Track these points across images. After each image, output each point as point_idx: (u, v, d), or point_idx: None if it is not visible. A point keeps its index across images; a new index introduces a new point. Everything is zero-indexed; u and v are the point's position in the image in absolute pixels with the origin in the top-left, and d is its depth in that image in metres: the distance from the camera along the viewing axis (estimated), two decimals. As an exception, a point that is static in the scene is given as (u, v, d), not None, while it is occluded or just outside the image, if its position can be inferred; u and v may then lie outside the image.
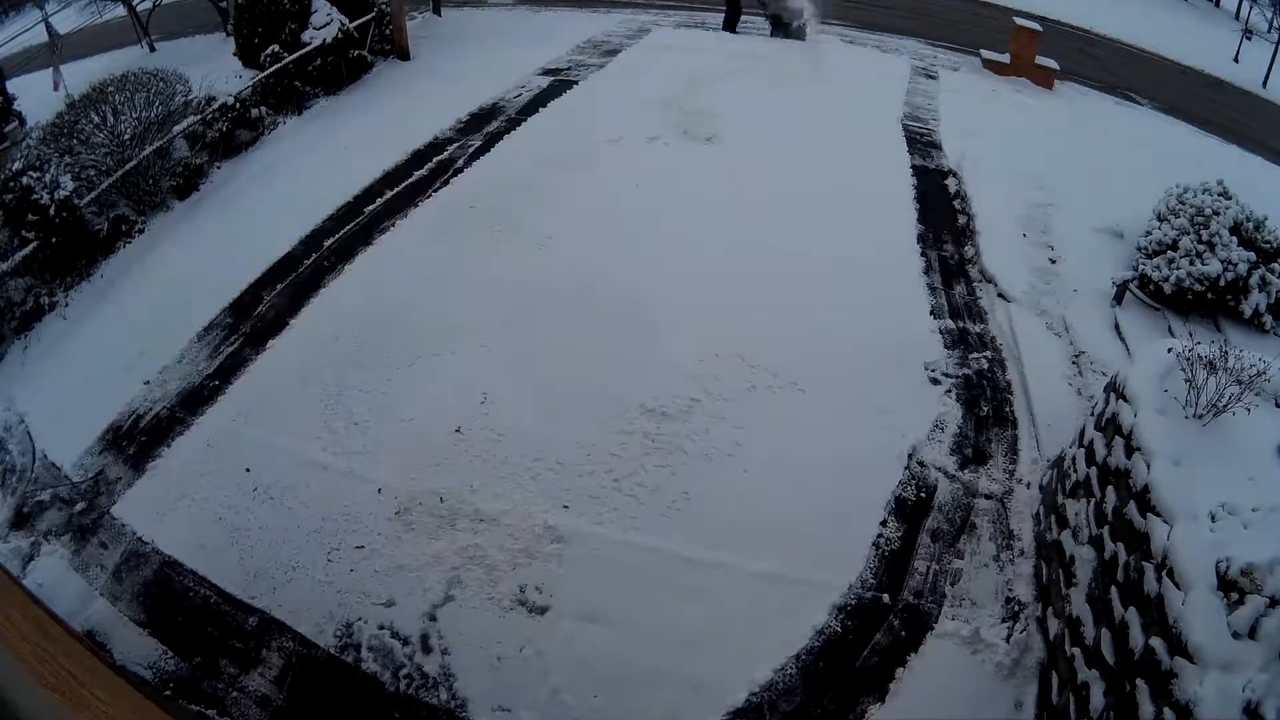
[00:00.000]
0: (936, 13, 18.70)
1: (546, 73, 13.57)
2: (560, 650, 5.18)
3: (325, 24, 13.23)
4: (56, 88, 14.68)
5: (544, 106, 12.18)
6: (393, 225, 9.36)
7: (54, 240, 8.93)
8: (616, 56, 14.21)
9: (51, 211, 8.85)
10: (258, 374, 7.50)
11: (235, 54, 14.15)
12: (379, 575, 5.64)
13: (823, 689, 5.01)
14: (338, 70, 13.42)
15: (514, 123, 11.75)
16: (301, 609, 5.55)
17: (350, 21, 13.61)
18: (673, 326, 7.48)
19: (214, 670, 5.31)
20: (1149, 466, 4.26)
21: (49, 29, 16.76)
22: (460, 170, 10.50)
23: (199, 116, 11.12)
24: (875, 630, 5.29)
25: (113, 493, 6.62)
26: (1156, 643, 3.69)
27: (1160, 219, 8.28)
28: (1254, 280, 7.65)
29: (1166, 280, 7.81)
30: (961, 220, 9.56)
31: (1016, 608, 5.32)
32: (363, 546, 5.82)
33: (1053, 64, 14.43)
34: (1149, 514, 4.11)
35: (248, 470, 6.48)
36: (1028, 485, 6.20)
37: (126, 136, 10.19)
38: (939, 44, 16.33)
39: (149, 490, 6.56)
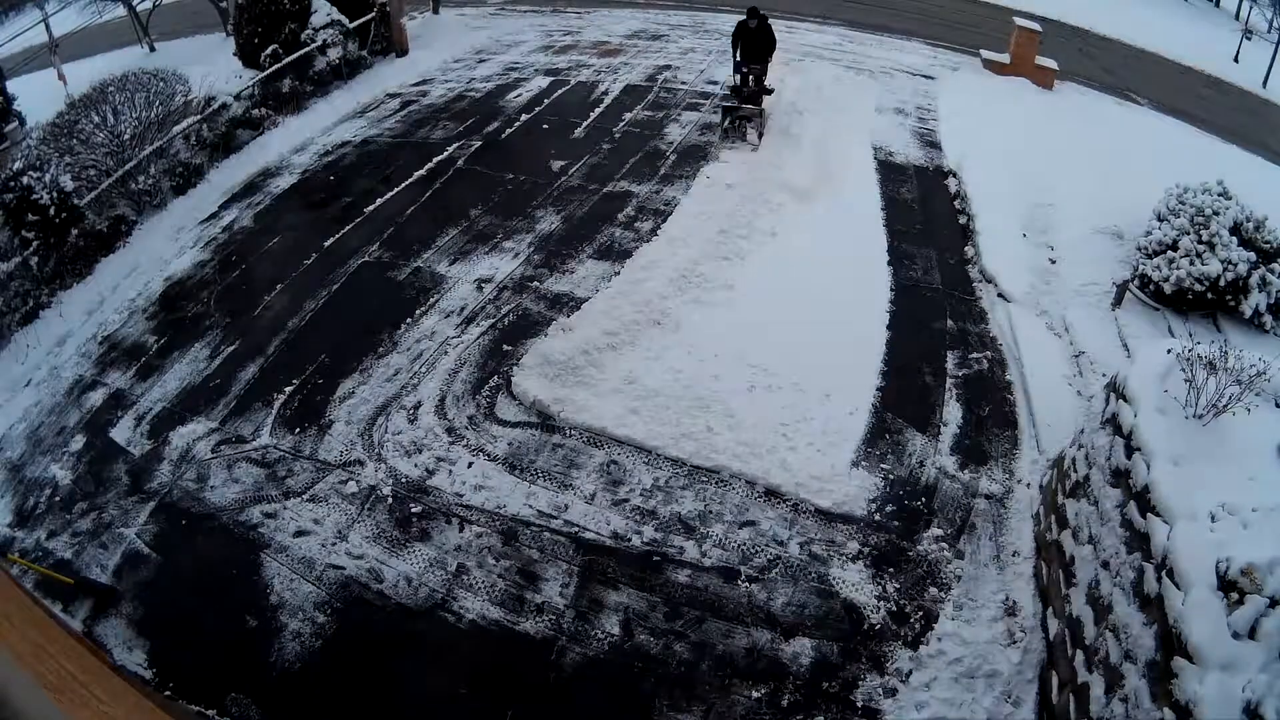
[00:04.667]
0: (936, 13, 18.69)
1: (547, 73, 13.67)
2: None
3: (325, 24, 13.23)
4: (64, 81, 15.28)
5: (539, 106, 12.28)
6: (392, 225, 9.36)
7: (54, 240, 8.93)
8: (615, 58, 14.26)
9: (52, 211, 8.85)
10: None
11: (235, 54, 14.16)
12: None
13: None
14: (337, 70, 13.41)
15: (511, 122, 11.81)
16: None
17: (350, 21, 13.62)
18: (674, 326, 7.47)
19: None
20: (1149, 466, 4.26)
21: (49, 29, 16.84)
22: (461, 170, 10.52)
23: (199, 117, 11.11)
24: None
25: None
26: (1156, 642, 3.69)
27: (1160, 219, 8.27)
28: (1254, 280, 7.63)
29: (1166, 280, 7.80)
30: (961, 220, 9.56)
31: (1016, 608, 5.32)
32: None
33: (1053, 64, 14.40)
34: (1149, 514, 4.11)
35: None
36: (1028, 485, 6.20)
37: (126, 136, 10.18)
38: (939, 44, 16.32)
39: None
